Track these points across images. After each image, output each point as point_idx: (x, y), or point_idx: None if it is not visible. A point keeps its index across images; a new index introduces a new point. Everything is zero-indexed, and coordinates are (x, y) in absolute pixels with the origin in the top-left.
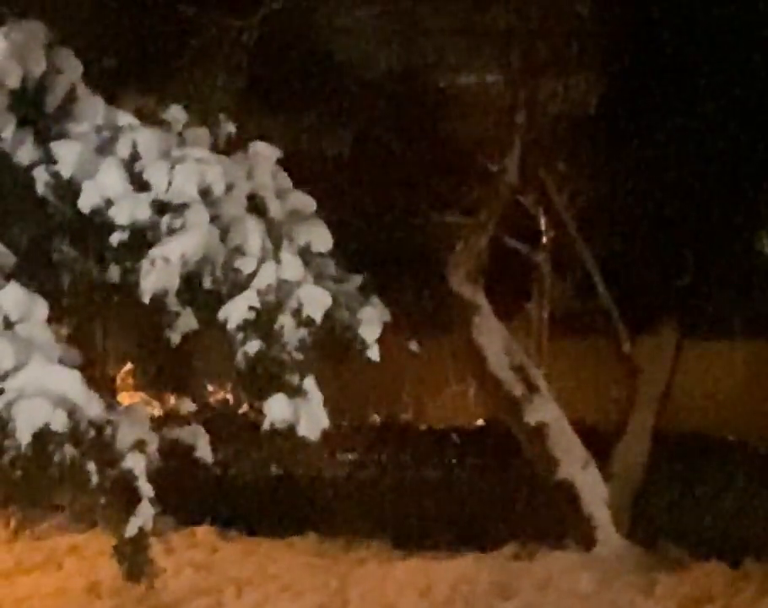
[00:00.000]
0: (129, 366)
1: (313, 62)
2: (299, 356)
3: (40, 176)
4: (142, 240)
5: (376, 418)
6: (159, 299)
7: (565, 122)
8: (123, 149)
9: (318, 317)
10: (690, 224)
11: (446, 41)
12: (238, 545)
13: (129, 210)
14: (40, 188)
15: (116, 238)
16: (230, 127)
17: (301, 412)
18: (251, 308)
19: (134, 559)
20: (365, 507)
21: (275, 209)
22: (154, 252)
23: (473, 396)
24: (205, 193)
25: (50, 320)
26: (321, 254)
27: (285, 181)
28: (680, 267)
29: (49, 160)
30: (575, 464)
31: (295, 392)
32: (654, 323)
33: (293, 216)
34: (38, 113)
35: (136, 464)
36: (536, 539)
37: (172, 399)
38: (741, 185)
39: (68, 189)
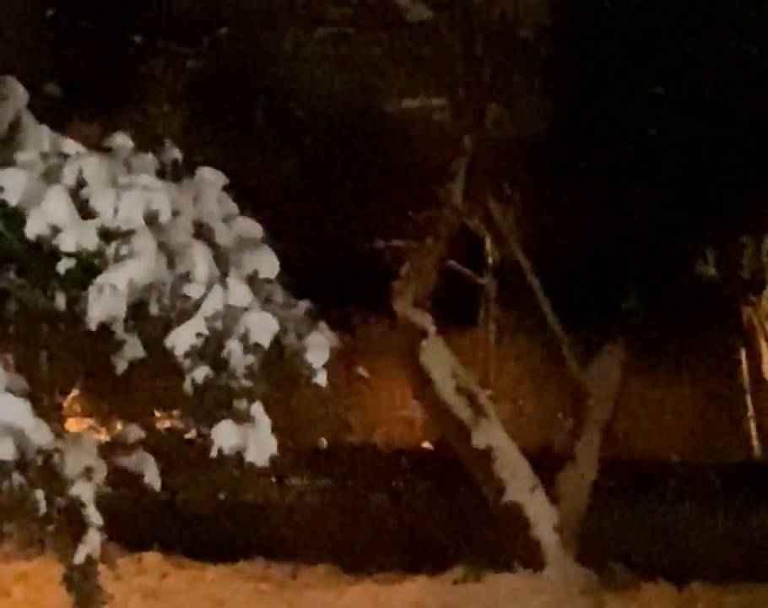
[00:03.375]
0: (76, 393)
1: (259, 89)
2: (247, 383)
3: None
4: (88, 267)
5: (324, 442)
6: (106, 326)
7: (510, 146)
8: (69, 177)
9: (266, 343)
10: (636, 247)
11: (392, 67)
12: (186, 571)
13: (76, 238)
14: None
15: (62, 266)
16: (177, 154)
17: (249, 438)
18: (198, 335)
19: (83, 586)
20: (313, 532)
21: (222, 235)
22: (101, 279)
23: (420, 420)
24: (152, 220)
25: None
26: (268, 280)
27: (232, 207)
28: (627, 291)
29: None
30: (522, 488)
31: (243, 418)
32: (601, 346)
33: (240, 242)
34: None
35: (84, 491)
36: (484, 562)
37: (120, 426)
38: (685, 210)
39: (15, 217)
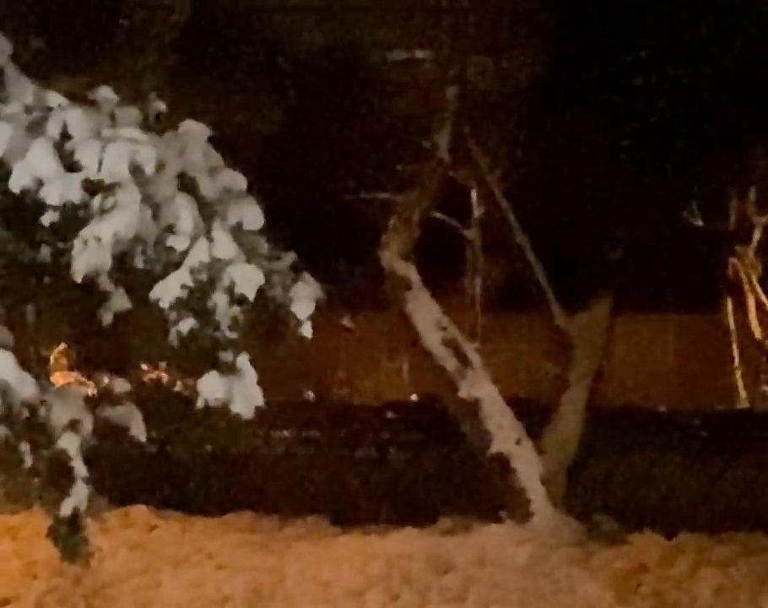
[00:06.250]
0: (63, 346)
1: (243, 40)
2: (232, 334)
3: None
4: (73, 220)
5: (311, 395)
6: (91, 279)
7: (496, 98)
8: (54, 130)
9: (251, 295)
10: (623, 199)
11: (377, 18)
12: (174, 523)
13: (60, 190)
14: None
15: (47, 219)
16: (161, 106)
17: (235, 390)
18: (183, 287)
19: (69, 539)
20: (301, 484)
21: (206, 187)
22: (86, 232)
23: (407, 372)
24: (136, 173)
25: None
26: (252, 232)
27: (216, 159)
28: (613, 241)
29: None
30: (509, 439)
31: (229, 370)
32: (588, 297)
33: (224, 194)
34: None
35: (70, 444)
36: (471, 513)
37: (106, 379)
38: (672, 160)
39: None
